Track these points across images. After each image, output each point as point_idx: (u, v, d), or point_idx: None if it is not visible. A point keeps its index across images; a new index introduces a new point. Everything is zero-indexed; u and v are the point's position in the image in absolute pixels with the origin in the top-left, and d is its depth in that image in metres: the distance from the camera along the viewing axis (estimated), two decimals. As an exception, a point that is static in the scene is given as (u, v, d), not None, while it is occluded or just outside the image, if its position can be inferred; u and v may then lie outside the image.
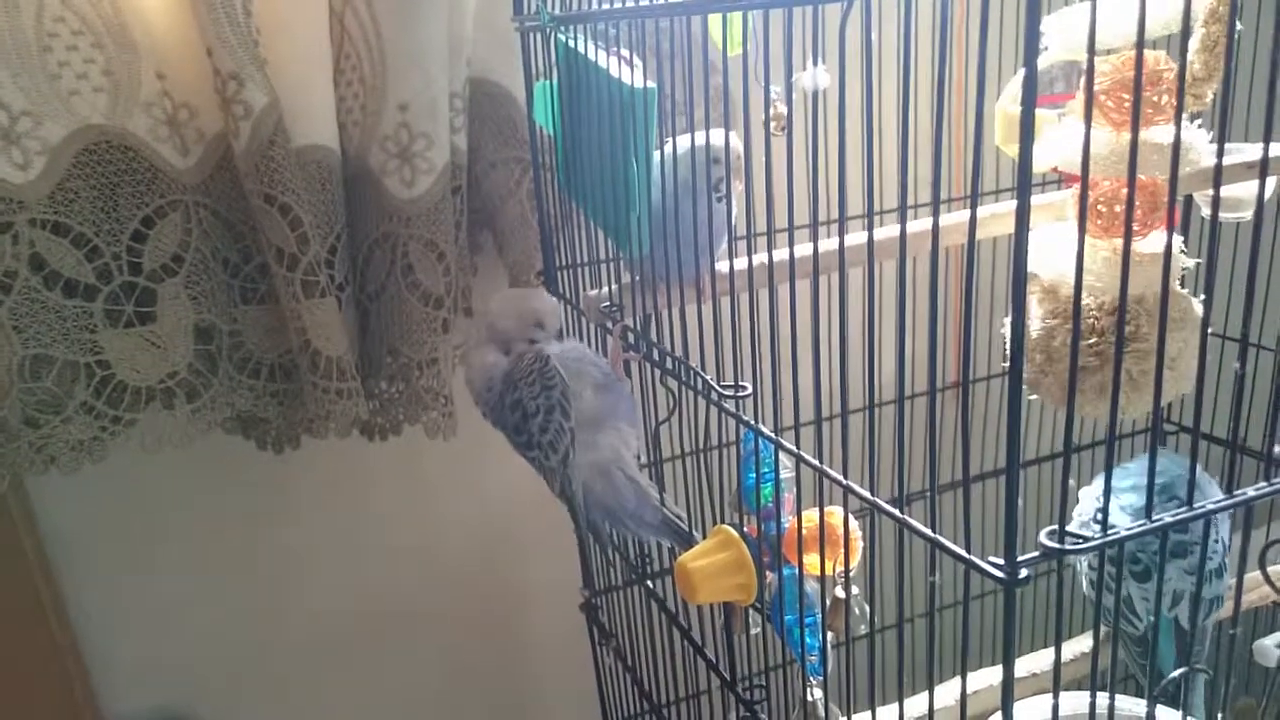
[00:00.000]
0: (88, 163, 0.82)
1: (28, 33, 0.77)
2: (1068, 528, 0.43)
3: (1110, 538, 0.44)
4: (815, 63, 0.49)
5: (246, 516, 1.09)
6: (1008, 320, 0.74)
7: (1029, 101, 0.39)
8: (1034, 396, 0.74)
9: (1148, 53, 0.65)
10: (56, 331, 0.83)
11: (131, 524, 1.04)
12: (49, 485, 0.98)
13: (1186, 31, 0.48)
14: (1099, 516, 0.69)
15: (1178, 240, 0.71)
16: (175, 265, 0.87)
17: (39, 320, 0.82)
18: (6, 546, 0.96)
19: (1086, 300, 0.70)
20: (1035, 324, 0.73)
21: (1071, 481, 0.44)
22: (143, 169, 0.84)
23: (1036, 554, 0.43)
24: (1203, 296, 0.72)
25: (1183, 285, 0.74)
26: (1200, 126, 0.73)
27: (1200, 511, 0.44)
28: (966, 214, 0.84)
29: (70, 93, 0.80)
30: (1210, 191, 0.84)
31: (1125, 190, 0.67)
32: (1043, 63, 0.84)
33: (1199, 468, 0.73)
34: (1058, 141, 0.71)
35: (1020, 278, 0.41)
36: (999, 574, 0.43)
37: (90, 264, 0.84)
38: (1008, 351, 0.75)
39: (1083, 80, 0.85)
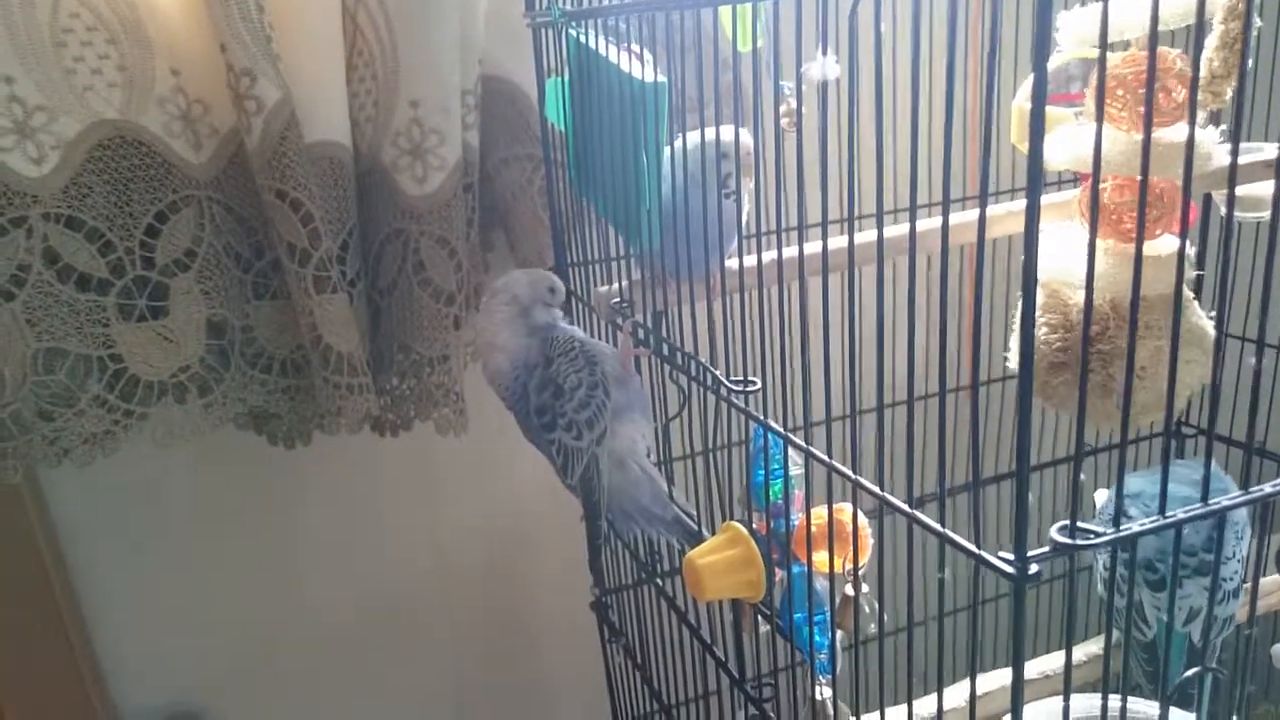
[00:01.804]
0: (102, 158, 0.82)
1: (43, 28, 0.77)
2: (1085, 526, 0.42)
3: (1122, 533, 0.43)
4: (824, 53, 0.48)
5: (258, 512, 1.10)
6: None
7: (1039, 99, 0.39)
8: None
9: (1161, 49, 0.64)
10: (70, 325, 0.84)
11: (144, 519, 1.05)
12: (62, 480, 0.99)
13: (1201, 28, 0.47)
14: (1128, 512, 0.68)
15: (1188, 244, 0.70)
16: (188, 260, 0.87)
17: (52, 314, 0.83)
18: (20, 542, 0.97)
19: (1069, 296, 0.68)
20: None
21: (1084, 476, 0.43)
22: (156, 164, 0.84)
23: (1047, 549, 0.43)
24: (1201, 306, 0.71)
25: (1196, 292, 0.72)
26: (1223, 127, 0.71)
27: (1215, 508, 0.44)
28: (975, 213, 0.83)
29: (85, 88, 0.80)
30: (1244, 190, 0.83)
31: (1127, 191, 0.66)
32: (1059, 60, 0.83)
33: (1225, 473, 0.72)
34: (1071, 140, 0.70)
35: (1030, 278, 0.40)
36: (1009, 569, 0.42)
37: (104, 258, 0.84)
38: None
39: (1090, 79, 0.84)
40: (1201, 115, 0.69)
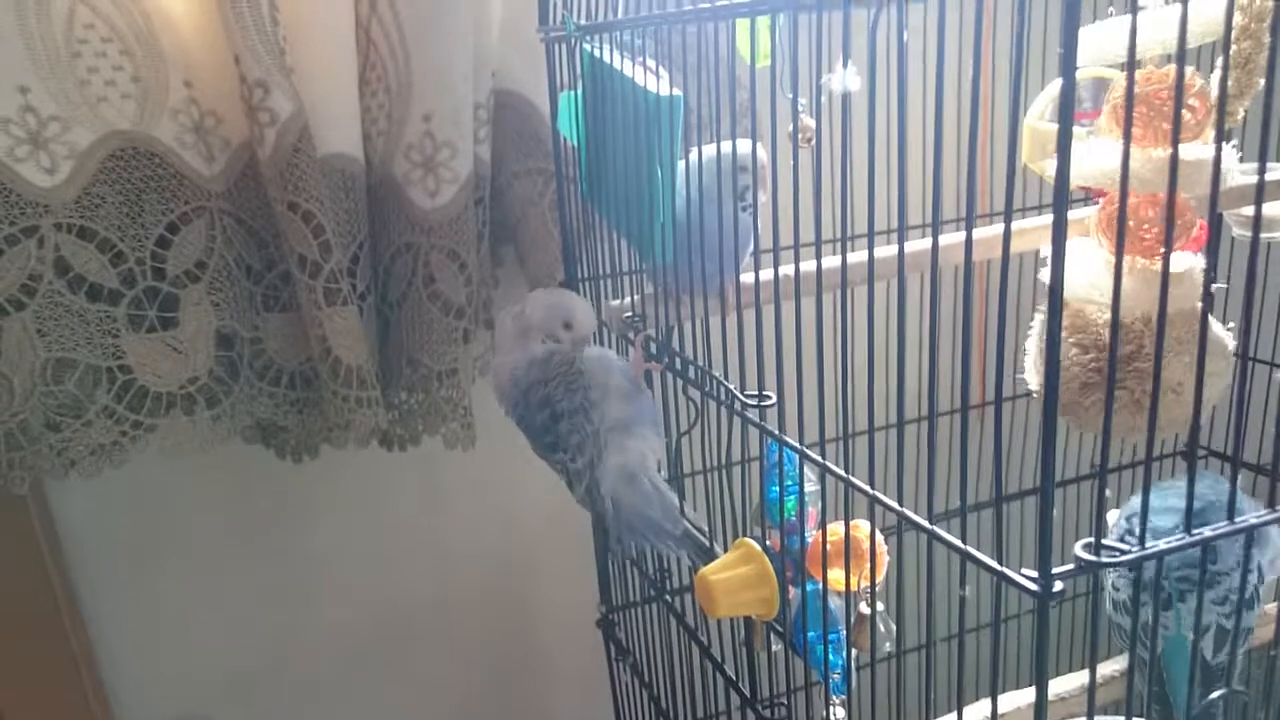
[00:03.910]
0: (114, 168, 0.82)
1: (58, 39, 0.78)
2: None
3: (1148, 551, 0.42)
4: (845, 65, 0.48)
5: (264, 526, 1.09)
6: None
7: (1066, 113, 0.39)
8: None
9: (1172, 67, 0.64)
10: (80, 335, 0.83)
11: (149, 531, 1.04)
12: (68, 491, 0.98)
13: (1228, 46, 0.47)
14: (1127, 536, 0.68)
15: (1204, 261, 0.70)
16: (198, 271, 0.87)
17: (62, 324, 0.83)
18: (25, 552, 0.96)
19: (1096, 315, 0.68)
20: (1036, 335, 0.72)
21: (1109, 492, 0.43)
22: (168, 175, 0.84)
23: (1071, 567, 0.42)
24: (1220, 322, 0.70)
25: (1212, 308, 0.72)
26: (1234, 142, 0.71)
27: (1241, 526, 0.43)
28: (994, 229, 0.83)
29: (99, 99, 0.80)
30: (1240, 211, 0.83)
31: (1149, 208, 0.66)
32: (1069, 80, 0.83)
33: (1240, 491, 0.71)
34: (1082, 158, 0.70)
35: (1056, 296, 0.40)
36: (1033, 586, 0.41)
37: (114, 269, 0.84)
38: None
39: (1109, 98, 0.84)
40: (1211, 134, 0.69)
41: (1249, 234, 0.88)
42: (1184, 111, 0.64)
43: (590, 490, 0.76)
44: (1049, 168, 0.87)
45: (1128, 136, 0.42)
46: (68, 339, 0.83)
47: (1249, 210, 0.85)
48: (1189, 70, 0.66)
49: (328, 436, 0.96)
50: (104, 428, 0.86)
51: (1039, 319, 0.72)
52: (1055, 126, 0.81)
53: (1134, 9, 0.40)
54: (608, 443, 0.75)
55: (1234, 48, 0.71)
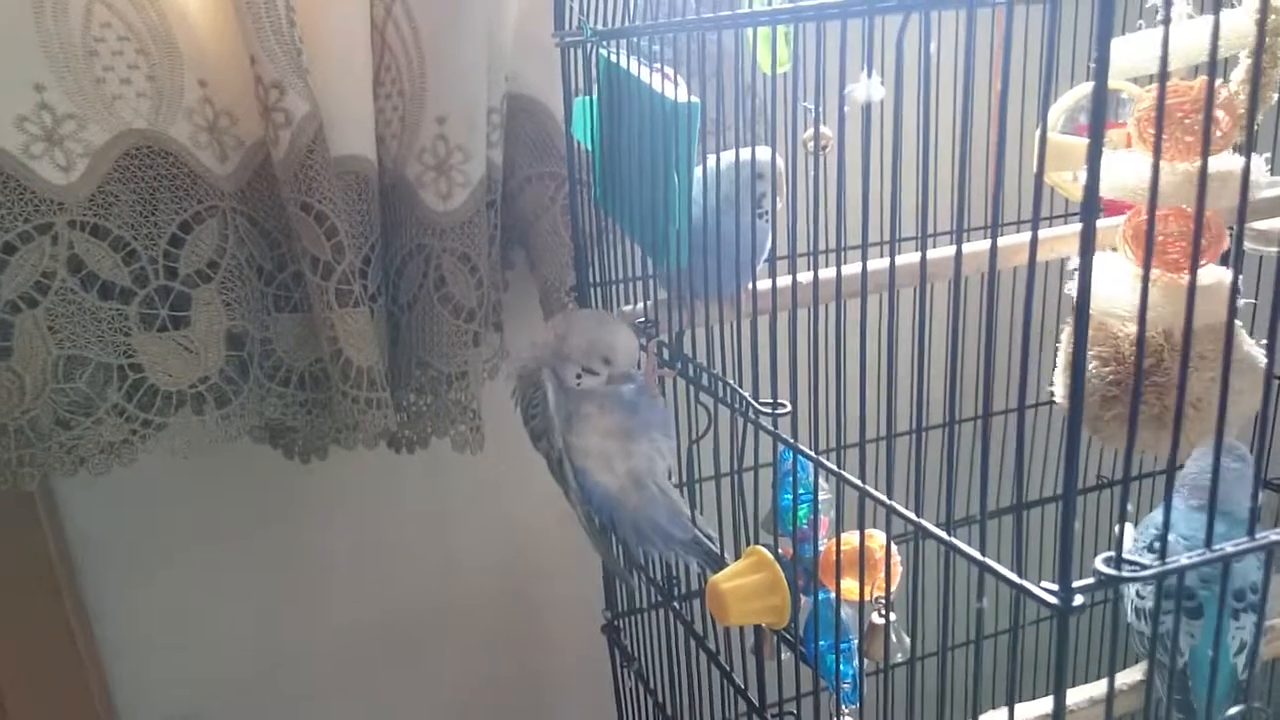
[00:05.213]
0: (128, 167, 0.82)
1: (74, 37, 0.78)
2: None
3: (1168, 567, 0.42)
4: (869, 74, 0.48)
5: (269, 526, 1.09)
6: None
7: (1098, 121, 0.38)
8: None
9: (1193, 81, 0.64)
10: (91, 333, 0.83)
11: (155, 530, 1.04)
12: (76, 489, 0.98)
13: (1260, 53, 0.47)
14: (1154, 545, 0.67)
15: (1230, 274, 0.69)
16: (210, 271, 0.87)
17: (74, 321, 0.82)
18: (33, 549, 0.96)
19: (1118, 328, 0.68)
20: (1063, 348, 0.72)
21: (1131, 507, 0.43)
22: (182, 174, 0.84)
23: (1092, 581, 0.42)
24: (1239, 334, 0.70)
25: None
26: (1266, 155, 0.71)
27: (1263, 542, 0.43)
28: (1014, 239, 0.83)
29: (114, 97, 0.80)
30: (1252, 224, 0.83)
31: (1176, 221, 0.66)
32: (1081, 92, 0.83)
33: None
34: (1110, 169, 0.69)
35: (1083, 304, 0.40)
36: (1053, 600, 0.41)
37: (127, 267, 0.84)
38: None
39: (1121, 110, 0.84)
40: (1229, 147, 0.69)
41: (1260, 248, 0.88)
42: (1201, 125, 0.64)
43: (575, 506, 0.77)
44: (1064, 179, 0.87)
45: (1157, 150, 0.42)
46: (79, 337, 0.83)
47: (1261, 224, 0.85)
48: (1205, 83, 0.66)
49: (336, 437, 0.96)
50: (114, 426, 0.86)
51: (1067, 331, 0.72)
52: (1066, 138, 0.81)
53: (1166, 19, 0.40)
54: (610, 450, 0.75)
55: (1249, 61, 0.72)
